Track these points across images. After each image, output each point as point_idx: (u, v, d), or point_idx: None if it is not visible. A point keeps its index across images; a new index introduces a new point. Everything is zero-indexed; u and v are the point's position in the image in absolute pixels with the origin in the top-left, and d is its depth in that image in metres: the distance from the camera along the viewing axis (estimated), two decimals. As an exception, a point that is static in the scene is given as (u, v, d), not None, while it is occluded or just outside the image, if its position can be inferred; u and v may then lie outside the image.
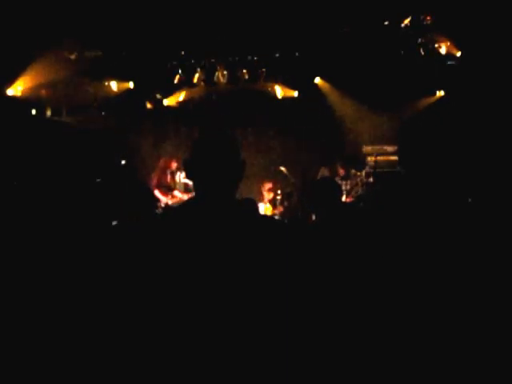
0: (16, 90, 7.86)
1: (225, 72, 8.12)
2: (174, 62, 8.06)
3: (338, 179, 7.69)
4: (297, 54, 7.77)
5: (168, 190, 7.55)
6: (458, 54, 7.20)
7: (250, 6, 6.27)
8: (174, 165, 7.55)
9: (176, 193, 7.61)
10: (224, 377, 1.63)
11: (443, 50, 7.17)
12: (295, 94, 8.80)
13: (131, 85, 8.50)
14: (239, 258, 1.70)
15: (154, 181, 7.50)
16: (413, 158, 7.32)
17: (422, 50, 7.27)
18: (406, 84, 7.77)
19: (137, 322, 1.69)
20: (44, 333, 1.71)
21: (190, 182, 1.98)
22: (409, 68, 7.38)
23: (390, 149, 7.34)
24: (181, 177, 7.59)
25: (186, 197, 7.46)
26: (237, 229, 1.74)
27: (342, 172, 7.76)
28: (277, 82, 8.51)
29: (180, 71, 8.19)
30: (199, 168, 1.75)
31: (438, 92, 8.29)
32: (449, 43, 7.13)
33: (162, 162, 7.57)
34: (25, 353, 1.69)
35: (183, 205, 1.84)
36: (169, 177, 7.59)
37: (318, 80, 8.40)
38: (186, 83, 8.35)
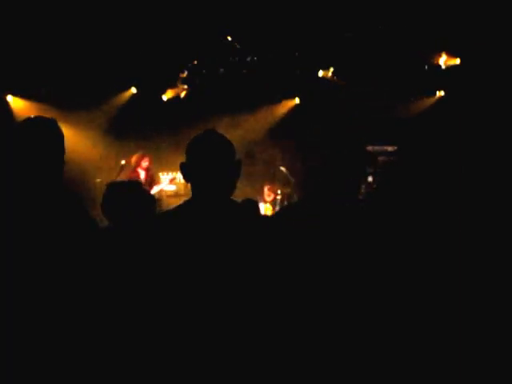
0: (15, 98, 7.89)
1: (224, 72, 8.13)
2: (174, 63, 8.06)
3: None
4: (296, 54, 7.74)
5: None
6: (457, 61, 7.18)
7: (249, 7, 6.28)
8: (145, 163, 7.41)
9: (155, 187, 7.48)
10: (220, 373, 1.64)
11: (442, 61, 7.15)
12: (297, 100, 8.82)
13: (134, 90, 8.48)
14: (237, 258, 1.70)
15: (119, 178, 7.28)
16: (413, 158, 7.31)
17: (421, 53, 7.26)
18: (405, 84, 7.76)
19: (134, 321, 1.70)
20: (43, 332, 1.72)
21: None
22: (408, 68, 7.36)
23: (390, 149, 7.33)
24: (180, 178, 7.56)
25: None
26: (234, 229, 1.74)
27: None
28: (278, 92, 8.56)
29: (180, 71, 8.20)
30: (195, 170, 1.75)
31: (437, 92, 8.28)
32: (447, 55, 7.12)
33: (133, 160, 7.41)
34: (23, 352, 1.70)
35: (181, 206, 1.84)
36: (142, 174, 7.43)
37: (321, 73, 8.25)
38: (186, 83, 8.36)
